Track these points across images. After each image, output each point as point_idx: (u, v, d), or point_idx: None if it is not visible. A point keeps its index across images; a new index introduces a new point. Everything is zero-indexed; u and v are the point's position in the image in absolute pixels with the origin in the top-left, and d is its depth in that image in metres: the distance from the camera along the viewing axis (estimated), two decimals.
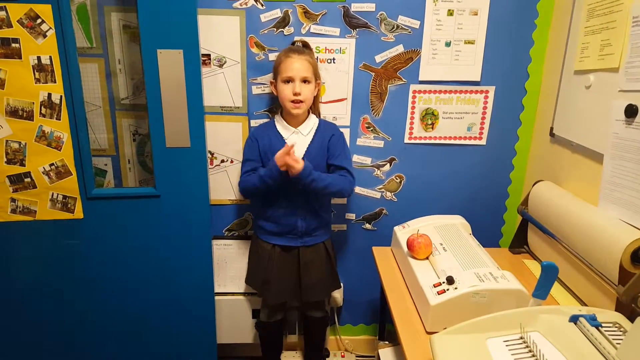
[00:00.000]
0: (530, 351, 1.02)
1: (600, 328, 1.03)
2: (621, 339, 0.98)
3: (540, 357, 0.99)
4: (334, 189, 1.73)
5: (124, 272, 1.80)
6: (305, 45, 1.78)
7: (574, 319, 1.07)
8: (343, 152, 1.80)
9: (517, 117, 1.96)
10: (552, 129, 1.80)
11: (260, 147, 1.75)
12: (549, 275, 1.15)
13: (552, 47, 1.84)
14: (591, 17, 1.54)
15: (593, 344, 1.00)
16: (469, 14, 1.81)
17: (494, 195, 2.07)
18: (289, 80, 1.67)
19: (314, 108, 1.83)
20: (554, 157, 1.80)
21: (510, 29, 1.84)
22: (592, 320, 1.05)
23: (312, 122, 1.78)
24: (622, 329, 1.06)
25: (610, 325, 1.07)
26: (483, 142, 1.98)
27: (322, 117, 1.87)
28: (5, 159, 1.62)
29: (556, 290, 1.51)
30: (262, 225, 1.82)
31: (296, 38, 1.81)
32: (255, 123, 1.91)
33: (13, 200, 1.67)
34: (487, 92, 1.91)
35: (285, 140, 1.74)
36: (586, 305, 1.41)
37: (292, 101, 1.67)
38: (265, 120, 1.90)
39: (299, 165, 1.59)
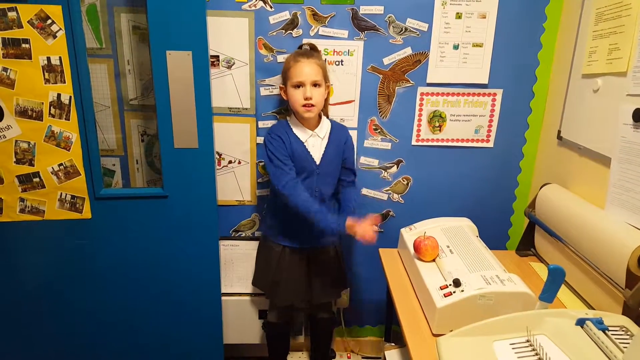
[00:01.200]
0: (536, 354, 1.02)
1: (607, 332, 1.03)
2: (628, 343, 0.98)
3: None
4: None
5: (131, 272, 1.81)
6: (313, 48, 1.78)
7: (581, 322, 1.07)
8: (354, 157, 1.87)
9: (525, 120, 1.96)
10: (559, 132, 1.79)
11: (286, 146, 1.71)
12: (556, 278, 1.15)
13: (560, 51, 1.84)
14: (600, 21, 1.53)
15: (600, 348, 1.00)
16: (477, 17, 1.81)
17: (501, 198, 2.07)
18: (299, 85, 1.66)
19: (324, 110, 1.83)
20: (561, 160, 1.80)
21: (518, 32, 1.84)
22: (598, 323, 1.05)
23: (327, 125, 1.78)
24: (629, 333, 1.06)
25: (617, 328, 1.07)
26: (490, 144, 1.98)
27: (330, 118, 1.88)
28: (14, 159, 1.64)
29: (563, 293, 1.51)
30: (273, 226, 1.82)
31: (304, 40, 1.82)
32: (263, 124, 1.91)
33: (22, 200, 1.69)
34: (494, 94, 1.91)
35: (304, 144, 1.71)
36: (593, 308, 1.41)
37: (304, 105, 1.66)
38: (274, 121, 1.91)
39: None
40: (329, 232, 1.65)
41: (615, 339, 1.01)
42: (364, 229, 1.59)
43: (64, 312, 1.83)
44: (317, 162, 1.73)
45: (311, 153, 1.72)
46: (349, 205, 1.78)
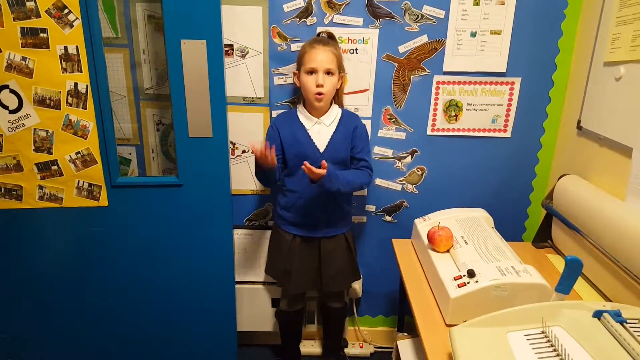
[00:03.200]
0: (551, 346, 1.01)
1: (625, 324, 1.01)
2: None
3: (562, 352, 0.97)
4: (355, 185, 1.75)
5: (146, 259, 1.84)
6: (331, 36, 1.77)
7: (598, 314, 1.05)
8: (367, 146, 1.82)
9: (544, 109, 1.92)
10: (579, 121, 1.76)
11: (282, 136, 1.75)
12: (573, 269, 1.13)
13: (582, 38, 1.79)
14: (624, 7, 1.49)
15: (617, 340, 0.98)
16: (495, 3, 1.77)
17: (518, 189, 2.04)
18: (312, 72, 1.67)
19: (338, 99, 1.82)
20: (580, 151, 1.76)
21: (538, 19, 1.80)
22: (616, 316, 1.03)
23: (335, 113, 1.77)
24: None
25: (636, 321, 1.04)
26: (508, 134, 1.95)
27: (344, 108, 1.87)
28: (33, 147, 1.66)
29: (580, 285, 1.49)
30: (283, 215, 1.83)
31: (321, 29, 1.80)
32: (276, 114, 1.91)
33: (41, 187, 1.71)
34: (512, 83, 1.87)
35: (308, 131, 1.74)
36: (610, 301, 1.38)
37: (316, 94, 1.66)
38: (287, 110, 1.91)
39: (322, 172, 1.56)
40: (260, 169, 1.67)
41: (634, 331, 0.99)
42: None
43: (81, 298, 1.86)
44: (321, 150, 1.72)
45: (314, 140, 1.73)
46: (343, 172, 1.72)
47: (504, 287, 1.25)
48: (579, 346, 1.01)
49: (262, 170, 1.68)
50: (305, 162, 1.54)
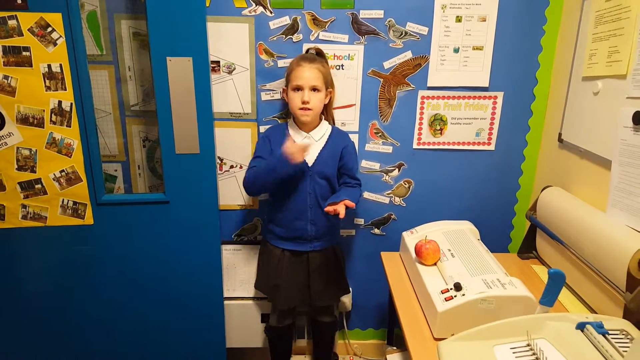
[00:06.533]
0: (537, 358, 1.02)
1: (607, 335, 1.03)
2: (628, 347, 0.98)
3: None
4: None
5: (133, 278, 1.82)
6: (319, 53, 1.79)
7: (581, 326, 1.07)
8: (356, 164, 1.87)
9: (526, 122, 1.96)
10: (560, 134, 1.79)
11: (273, 147, 1.76)
12: (556, 282, 1.15)
13: (561, 53, 1.84)
14: (599, 24, 1.53)
15: (600, 352, 1.00)
16: (477, 20, 1.81)
17: (502, 201, 2.07)
18: (298, 89, 1.69)
19: (328, 115, 1.84)
20: (562, 163, 1.80)
21: (518, 35, 1.84)
22: (599, 327, 1.05)
23: (325, 129, 1.79)
24: (629, 337, 1.06)
25: (618, 332, 1.07)
26: (492, 147, 1.98)
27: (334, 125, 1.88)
28: (16, 166, 1.64)
29: (564, 296, 1.51)
30: (272, 229, 1.83)
31: (307, 45, 1.82)
32: (264, 129, 1.92)
33: (24, 206, 1.69)
34: (495, 97, 1.91)
35: None
36: (595, 312, 1.41)
37: (300, 108, 1.69)
38: (276, 124, 1.92)
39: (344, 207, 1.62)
40: (282, 165, 1.62)
41: (616, 342, 1.01)
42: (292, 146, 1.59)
43: (67, 318, 1.84)
44: (310, 164, 1.74)
45: None
46: (341, 191, 1.76)
47: (490, 300, 1.26)
48: (563, 358, 1.02)
49: (283, 171, 1.64)
50: (328, 209, 1.62)
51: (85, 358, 1.90)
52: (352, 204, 1.64)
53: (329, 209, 1.62)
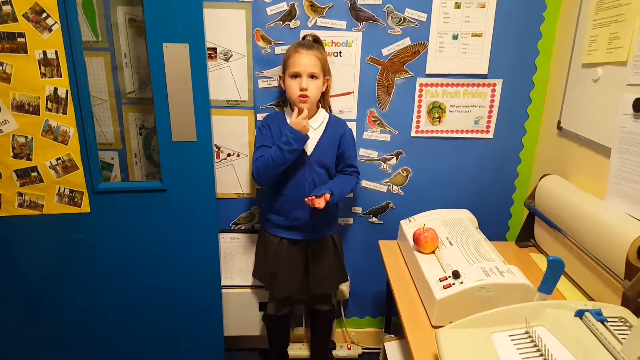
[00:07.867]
0: (535, 346, 1.02)
1: (605, 323, 1.03)
2: (627, 334, 0.98)
3: (546, 352, 0.99)
4: (347, 193, 1.84)
5: (130, 266, 1.82)
6: (316, 39, 1.77)
7: (580, 313, 1.07)
8: (354, 152, 1.85)
9: (525, 110, 1.95)
10: (559, 122, 1.79)
11: (274, 135, 1.74)
12: (555, 270, 1.15)
13: (560, 40, 1.82)
14: (600, 10, 1.52)
15: (598, 339, 1.00)
16: (476, 6, 1.79)
17: (501, 189, 2.06)
18: (296, 76, 1.67)
19: (324, 103, 1.83)
20: (561, 151, 1.79)
21: (518, 21, 1.83)
22: (597, 315, 1.05)
23: (322, 117, 1.78)
24: (627, 324, 1.06)
25: (616, 320, 1.07)
26: (490, 135, 1.97)
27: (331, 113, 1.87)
28: (12, 154, 1.63)
29: (563, 284, 1.51)
30: (270, 218, 1.83)
31: (305, 32, 1.80)
32: (261, 117, 1.90)
33: (20, 194, 1.68)
34: (494, 85, 1.90)
35: None
36: (593, 299, 1.41)
37: (299, 96, 1.67)
38: (273, 112, 1.90)
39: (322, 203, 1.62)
40: (293, 145, 1.63)
41: (614, 330, 1.01)
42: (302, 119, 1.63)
43: (63, 306, 1.84)
44: (309, 153, 1.73)
45: None
46: (332, 181, 1.77)
47: (488, 287, 1.26)
48: (562, 345, 1.02)
49: (300, 145, 1.65)
50: (308, 200, 1.62)
51: (82, 346, 1.90)
52: (328, 199, 1.64)
53: (307, 200, 1.62)
